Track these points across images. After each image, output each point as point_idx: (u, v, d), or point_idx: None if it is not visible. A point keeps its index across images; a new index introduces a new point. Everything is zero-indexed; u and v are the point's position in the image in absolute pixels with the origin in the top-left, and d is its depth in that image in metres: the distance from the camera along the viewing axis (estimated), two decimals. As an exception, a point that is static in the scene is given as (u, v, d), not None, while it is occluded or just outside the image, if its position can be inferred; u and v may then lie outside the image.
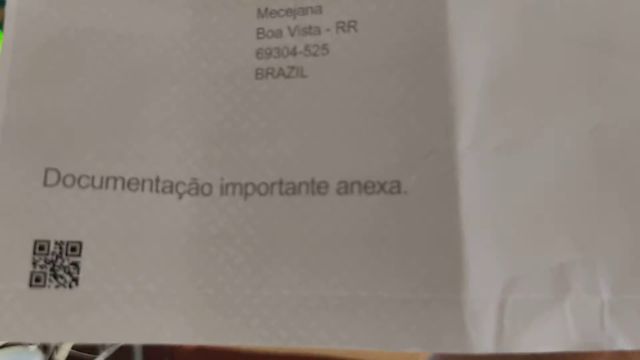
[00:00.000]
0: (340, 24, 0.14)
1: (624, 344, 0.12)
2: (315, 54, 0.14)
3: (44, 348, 0.95)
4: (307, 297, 0.13)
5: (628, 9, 0.14)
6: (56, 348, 0.94)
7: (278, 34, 0.14)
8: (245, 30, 0.14)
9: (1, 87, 0.13)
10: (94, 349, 1.01)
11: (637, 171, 0.13)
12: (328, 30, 0.14)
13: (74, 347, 0.97)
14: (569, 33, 0.14)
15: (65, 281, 0.13)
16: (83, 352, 0.96)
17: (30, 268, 0.13)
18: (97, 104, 0.14)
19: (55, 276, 0.12)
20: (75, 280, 0.13)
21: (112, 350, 1.04)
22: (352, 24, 0.14)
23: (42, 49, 0.14)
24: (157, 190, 0.13)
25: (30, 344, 0.92)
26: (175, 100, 0.14)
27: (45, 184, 0.13)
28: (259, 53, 0.14)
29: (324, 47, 0.14)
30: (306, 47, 0.14)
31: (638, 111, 0.13)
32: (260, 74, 0.14)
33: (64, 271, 0.12)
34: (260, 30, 0.14)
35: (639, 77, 0.13)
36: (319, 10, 0.14)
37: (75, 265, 0.13)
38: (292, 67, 0.14)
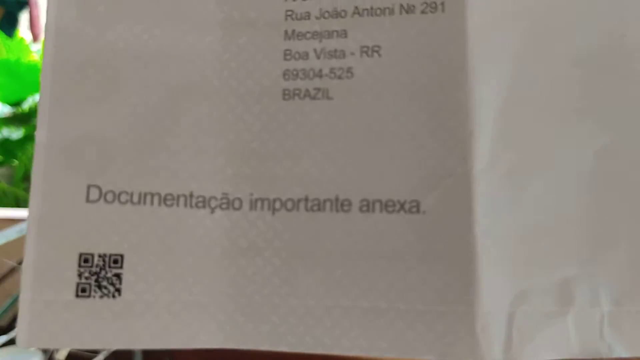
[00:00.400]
0: (365, 49, 0.15)
1: (621, 352, 0.14)
2: (340, 77, 0.15)
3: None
4: (330, 307, 0.14)
5: (637, 34, 0.15)
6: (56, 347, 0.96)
7: (304, 56, 0.15)
8: (273, 51, 0.15)
9: (44, 107, 0.15)
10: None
11: (637, 190, 0.14)
12: (353, 54, 0.15)
13: (73, 346, 0.99)
14: (578, 58, 0.15)
15: (109, 291, 0.14)
16: (83, 351, 0.98)
17: (76, 280, 0.14)
18: (134, 122, 0.15)
19: (99, 287, 0.14)
20: (118, 290, 0.14)
21: (111, 349, 1.06)
22: (376, 48, 0.15)
23: (81, 68, 0.15)
24: (191, 205, 0.15)
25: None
26: (206, 118, 0.15)
27: (87, 200, 0.15)
28: (285, 74, 0.15)
29: (349, 70, 0.15)
30: (331, 70, 0.15)
31: None
32: (287, 94, 0.15)
33: (108, 282, 0.14)
34: (288, 52, 0.15)
35: None
36: (344, 34, 0.15)
37: (118, 276, 0.14)
38: (318, 89, 0.15)
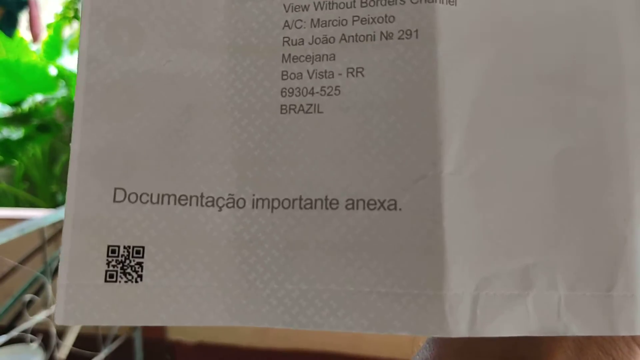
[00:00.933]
0: (350, 70, 0.18)
1: (576, 331, 0.17)
2: (329, 94, 0.18)
3: (45, 346, 0.99)
4: (321, 290, 0.17)
5: (592, 51, 0.18)
6: (57, 346, 0.98)
7: (299, 76, 0.18)
8: (272, 72, 0.18)
9: (77, 122, 0.18)
10: (95, 347, 1.06)
11: (591, 188, 0.17)
12: (340, 74, 0.18)
13: (75, 345, 1.01)
14: (541, 74, 0.18)
15: (132, 277, 0.17)
16: (84, 349, 1.01)
17: (105, 267, 0.17)
18: (153, 134, 0.18)
19: (124, 274, 0.17)
20: (140, 276, 0.17)
21: (113, 347, 1.09)
22: (360, 69, 0.18)
23: (108, 89, 0.18)
24: (202, 205, 0.18)
25: (32, 342, 0.96)
26: (215, 130, 0.18)
27: (114, 200, 0.17)
28: (283, 92, 0.18)
29: (337, 88, 0.18)
30: (322, 88, 0.18)
31: (596, 139, 0.17)
32: (284, 109, 0.18)
33: (131, 270, 0.17)
34: (285, 73, 0.18)
35: (599, 110, 0.17)
36: (333, 57, 0.18)
37: (140, 265, 0.17)
38: (310, 104, 0.18)
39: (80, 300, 0.17)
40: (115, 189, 0.18)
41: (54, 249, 1.49)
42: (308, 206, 0.17)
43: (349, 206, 0.17)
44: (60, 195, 1.84)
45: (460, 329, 0.16)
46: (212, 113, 0.18)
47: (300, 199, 0.18)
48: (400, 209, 0.17)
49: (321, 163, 0.18)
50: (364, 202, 0.17)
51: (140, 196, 0.18)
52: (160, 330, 1.25)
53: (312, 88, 0.18)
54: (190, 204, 0.18)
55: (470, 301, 0.17)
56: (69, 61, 1.94)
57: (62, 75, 1.88)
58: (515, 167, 0.17)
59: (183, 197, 0.18)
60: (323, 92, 0.18)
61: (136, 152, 0.18)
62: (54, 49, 1.96)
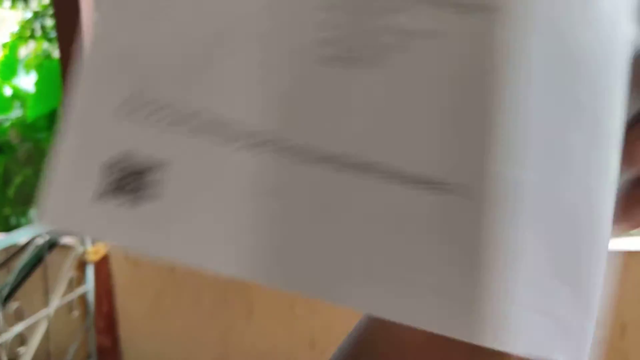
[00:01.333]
0: (423, 32, 0.15)
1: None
2: (397, 50, 0.15)
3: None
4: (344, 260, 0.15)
5: None
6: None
7: (341, 25, 0.15)
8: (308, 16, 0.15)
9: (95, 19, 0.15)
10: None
11: None
12: (411, 32, 0.15)
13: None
14: None
15: (134, 198, 0.15)
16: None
17: (105, 181, 0.15)
18: (179, 49, 0.15)
19: (124, 191, 0.15)
20: (145, 197, 0.15)
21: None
22: (432, 33, 0.15)
23: None
24: (221, 138, 0.15)
25: None
26: (246, 64, 0.15)
27: (122, 113, 0.15)
28: (321, 41, 0.15)
29: (406, 46, 0.15)
30: (387, 43, 0.15)
31: None
32: (322, 59, 0.15)
33: (134, 188, 0.15)
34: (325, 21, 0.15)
35: None
36: (403, 12, 0.15)
37: (145, 184, 0.15)
38: (375, 56, 0.15)
39: (70, 208, 0.15)
40: (128, 96, 0.15)
41: (5, 274, 1.40)
42: (346, 168, 0.15)
43: (387, 176, 0.15)
44: (13, 219, 1.76)
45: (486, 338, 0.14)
46: (244, 46, 0.15)
47: (336, 157, 0.15)
48: (465, 196, 0.14)
49: (372, 124, 0.15)
50: (408, 177, 0.15)
51: (155, 111, 0.15)
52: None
53: (381, 40, 0.15)
54: (208, 134, 0.15)
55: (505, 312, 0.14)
56: (25, 81, 1.89)
57: (18, 95, 1.82)
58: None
59: (201, 125, 0.15)
60: (390, 47, 0.15)
61: (157, 60, 0.15)
62: (9, 68, 1.90)
